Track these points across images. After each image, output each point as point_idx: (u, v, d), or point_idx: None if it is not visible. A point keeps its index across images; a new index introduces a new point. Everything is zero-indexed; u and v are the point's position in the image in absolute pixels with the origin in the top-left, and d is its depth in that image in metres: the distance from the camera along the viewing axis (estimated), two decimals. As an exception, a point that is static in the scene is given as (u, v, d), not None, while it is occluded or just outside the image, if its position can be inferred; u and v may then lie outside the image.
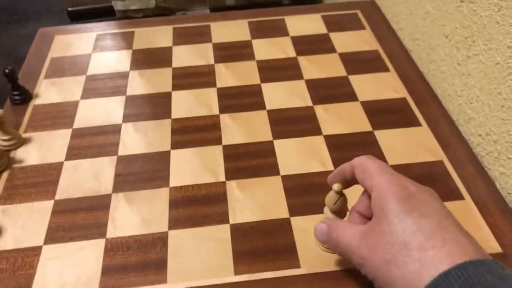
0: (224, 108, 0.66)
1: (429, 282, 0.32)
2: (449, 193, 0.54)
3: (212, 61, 0.75)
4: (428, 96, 0.67)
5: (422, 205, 0.37)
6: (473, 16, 0.57)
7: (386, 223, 0.37)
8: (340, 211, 0.46)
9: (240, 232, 0.51)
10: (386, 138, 0.61)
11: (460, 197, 0.54)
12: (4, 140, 0.60)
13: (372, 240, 0.38)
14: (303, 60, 0.75)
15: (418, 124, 0.63)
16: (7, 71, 0.66)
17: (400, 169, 0.56)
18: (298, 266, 0.47)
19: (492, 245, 0.49)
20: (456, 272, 0.32)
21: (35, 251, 0.50)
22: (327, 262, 0.48)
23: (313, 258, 0.48)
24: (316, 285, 0.46)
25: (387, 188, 0.39)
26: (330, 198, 0.45)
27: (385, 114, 0.64)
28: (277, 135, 0.62)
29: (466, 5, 0.58)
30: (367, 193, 0.43)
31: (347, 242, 0.40)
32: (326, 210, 0.47)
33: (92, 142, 0.62)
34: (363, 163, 0.42)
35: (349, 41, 0.78)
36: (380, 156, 0.58)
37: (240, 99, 0.68)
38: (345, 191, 0.45)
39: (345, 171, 0.44)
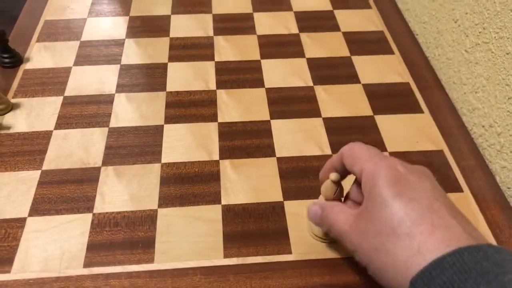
0: (222, 83, 0.64)
1: (418, 270, 0.31)
2: (448, 185, 0.53)
3: (211, 33, 0.73)
4: (432, 82, 0.65)
5: (411, 188, 0.35)
6: (485, 1, 0.55)
7: (375, 208, 0.35)
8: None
9: (231, 214, 0.49)
10: (387, 123, 0.59)
11: (459, 189, 0.52)
12: (-8, 105, 0.58)
13: (362, 227, 0.37)
14: (305, 37, 0.72)
15: (420, 111, 0.61)
16: (-3, 32, 0.63)
17: (399, 156, 0.55)
18: (290, 252, 0.46)
19: (489, 241, 0.47)
20: (451, 258, 0.30)
21: (19, 223, 0.48)
22: (319, 250, 0.46)
23: (305, 244, 0.47)
24: (306, 273, 0.45)
25: (375, 171, 0.37)
26: (328, 188, 0.43)
27: (387, 98, 0.62)
28: (274, 114, 0.60)
29: (480, -10, 0.56)
30: (357, 180, 0.41)
31: (340, 227, 0.39)
32: (322, 200, 0.45)
33: (83, 112, 0.60)
34: (351, 149, 0.40)
35: (354, 19, 0.76)
36: (380, 142, 0.57)
37: (238, 75, 0.66)
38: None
39: (334, 163, 0.43)
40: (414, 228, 0.33)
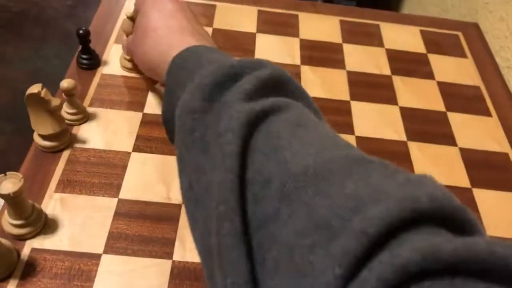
0: (309, 123, 0.59)
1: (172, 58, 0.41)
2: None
3: (298, 61, 0.68)
4: (533, 156, 0.61)
5: (166, 6, 0.47)
6: None
7: (140, 22, 0.49)
8: None
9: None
10: (485, 200, 0.55)
11: None
12: (70, 114, 0.54)
13: (135, 39, 0.50)
14: (398, 81, 0.67)
15: (520, 189, 0.56)
16: (81, 31, 0.59)
17: (499, 242, 0.51)
18: None
19: None
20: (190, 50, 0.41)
21: (94, 259, 0.44)
22: None
23: None
24: None
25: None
26: (125, 24, 0.57)
27: (486, 169, 0.58)
28: (366, 170, 0.55)
29: None
30: None
31: (129, 48, 0.55)
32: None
33: (163, 134, 0.55)
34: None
35: (449, 68, 0.71)
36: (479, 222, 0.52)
37: (327, 115, 0.60)
38: None
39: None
40: (162, 27, 0.45)
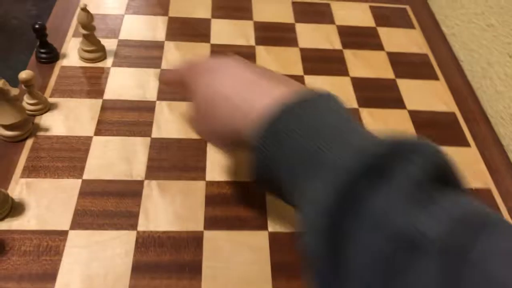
0: (265, 98, 0.62)
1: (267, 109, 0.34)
2: (497, 226, 0.52)
3: (252, 42, 0.71)
4: (478, 114, 0.64)
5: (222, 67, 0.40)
6: (549, 41, 0.53)
7: (201, 93, 0.40)
8: None
9: (278, 242, 0.48)
10: (433, 155, 0.58)
11: (507, 232, 0.51)
12: (30, 104, 0.56)
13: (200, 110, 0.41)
14: (349, 54, 0.70)
15: (466, 144, 0.60)
16: (37, 26, 0.60)
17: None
18: (340, 289, 0.45)
19: None
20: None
21: (61, 236, 0.46)
22: None
23: (355, 281, 0.46)
24: (357, 313, 0.44)
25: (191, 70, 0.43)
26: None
27: (434, 128, 0.61)
28: (320, 136, 0.58)
29: (545, 29, 0.54)
30: None
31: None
32: None
33: (123, 118, 0.58)
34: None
35: (397, 39, 0.74)
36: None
37: (281, 90, 0.64)
38: None
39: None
40: (235, 86, 0.37)
